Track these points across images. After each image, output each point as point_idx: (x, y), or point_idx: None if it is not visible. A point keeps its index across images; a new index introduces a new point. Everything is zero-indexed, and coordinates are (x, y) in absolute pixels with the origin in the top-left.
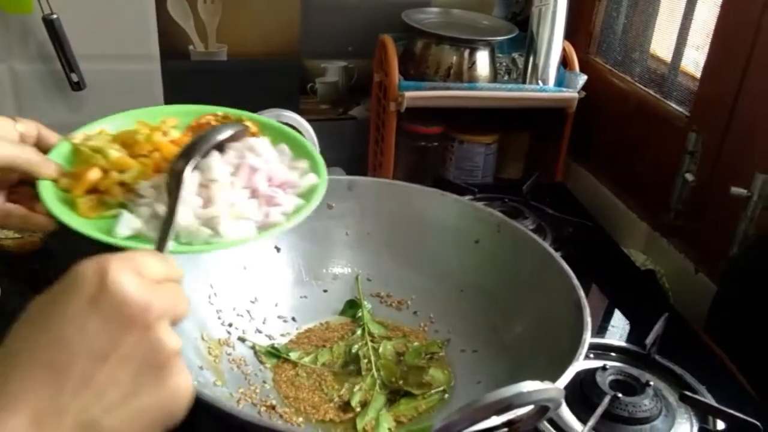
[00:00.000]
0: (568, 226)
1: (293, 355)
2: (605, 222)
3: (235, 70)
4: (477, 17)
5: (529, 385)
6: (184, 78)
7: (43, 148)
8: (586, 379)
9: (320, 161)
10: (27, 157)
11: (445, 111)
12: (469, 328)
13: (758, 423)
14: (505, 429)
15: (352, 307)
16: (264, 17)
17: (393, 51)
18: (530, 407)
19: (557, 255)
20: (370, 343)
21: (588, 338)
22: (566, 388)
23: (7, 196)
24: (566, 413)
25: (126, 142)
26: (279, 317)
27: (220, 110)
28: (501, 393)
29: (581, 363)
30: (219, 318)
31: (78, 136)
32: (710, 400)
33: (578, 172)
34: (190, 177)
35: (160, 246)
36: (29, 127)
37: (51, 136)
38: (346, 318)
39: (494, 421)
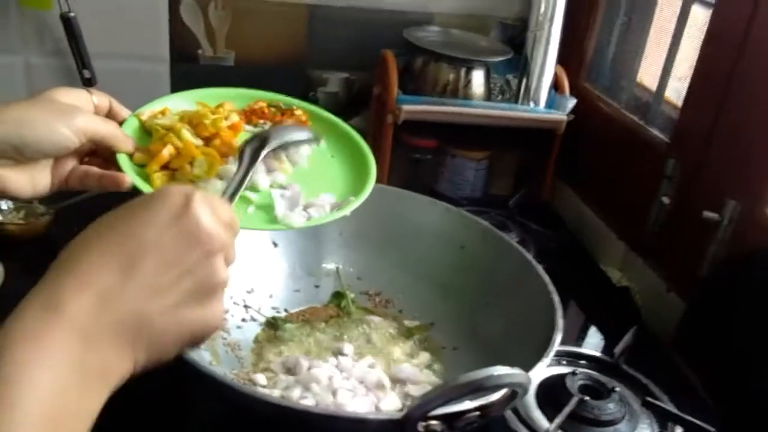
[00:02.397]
0: (550, 241)
1: (288, 326)
2: (585, 239)
3: (242, 75)
4: (475, 38)
5: (500, 369)
6: (192, 81)
7: (113, 121)
8: (556, 382)
9: (368, 152)
10: (111, 131)
11: (439, 126)
12: (451, 327)
13: (713, 429)
14: (478, 413)
15: (337, 297)
16: (272, 26)
17: (393, 66)
18: (501, 393)
19: (535, 262)
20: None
21: (558, 338)
22: (538, 389)
23: (79, 163)
24: (536, 413)
25: (192, 122)
26: (272, 308)
27: (272, 96)
28: (474, 374)
29: (554, 368)
30: None
31: (145, 113)
32: (671, 408)
33: (563, 190)
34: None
35: (231, 199)
36: (102, 100)
37: (121, 110)
38: (331, 306)
39: (468, 405)
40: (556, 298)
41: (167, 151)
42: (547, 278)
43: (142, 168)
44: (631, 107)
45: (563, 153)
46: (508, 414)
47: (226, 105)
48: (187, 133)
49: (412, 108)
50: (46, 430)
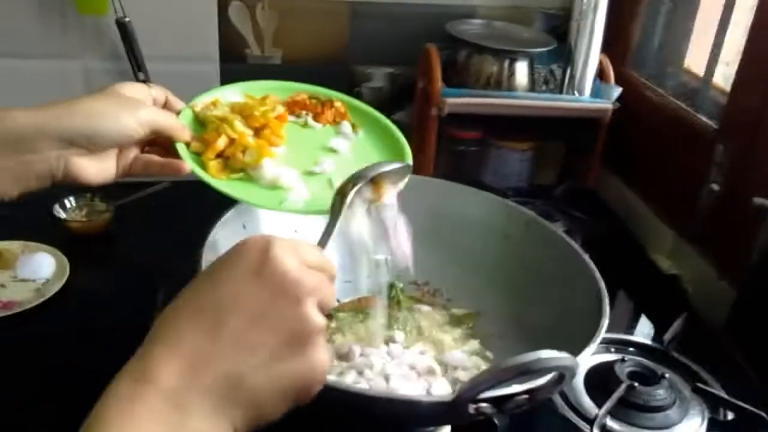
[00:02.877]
0: (597, 230)
1: (340, 315)
2: (633, 228)
3: (289, 73)
4: (518, 29)
5: (547, 353)
6: (241, 80)
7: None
8: (605, 369)
9: (406, 145)
10: (170, 122)
11: (484, 117)
12: (498, 316)
13: (764, 414)
14: (526, 396)
15: (387, 287)
16: (316, 25)
17: (437, 59)
18: (549, 377)
19: (581, 250)
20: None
21: (605, 324)
22: (587, 376)
23: (141, 152)
24: (585, 399)
25: (243, 113)
26: None
27: (313, 89)
28: (523, 357)
29: (603, 356)
30: None
31: (198, 104)
32: (722, 393)
33: (609, 179)
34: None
35: (322, 243)
36: (159, 93)
37: (177, 102)
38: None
39: (517, 388)
40: (602, 285)
41: (222, 142)
42: (592, 265)
43: (198, 156)
44: (678, 94)
45: (609, 142)
46: (558, 400)
47: (270, 97)
48: (239, 124)
49: (457, 100)
50: None
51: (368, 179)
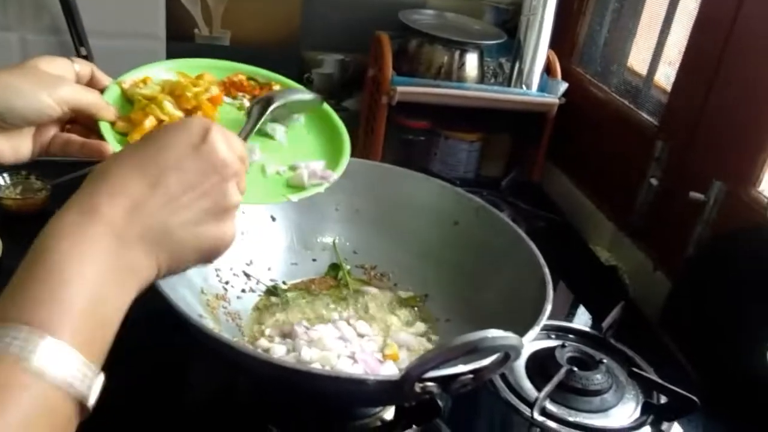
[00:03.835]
0: (540, 221)
1: (287, 294)
2: (575, 220)
3: (237, 55)
4: (469, 21)
5: (494, 332)
6: None
7: (95, 88)
8: (546, 354)
9: (344, 129)
10: (93, 100)
11: (433, 107)
12: (444, 300)
13: (695, 398)
14: (471, 375)
15: (334, 269)
16: (267, 7)
17: (388, 47)
18: (494, 357)
19: (527, 237)
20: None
21: (549, 308)
22: (528, 361)
23: (61, 130)
24: (526, 383)
25: (174, 93)
26: (271, 280)
27: (251, 69)
28: (470, 336)
29: (544, 342)
30: (217, 276)
31: (126, 81)
32: (656, 378)
33: (554, 172)
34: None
35: (244, 136)
36: (84, 68)
37: (103, 78)
38: (328, 277)
39: (462, 368)
40: (546, 272)
41: (150, 123)
42: (537, 252)
43: (123, 136)
44: (622, 91)
45: (554, 136)
46: (499, 383)
47: (205, 76)
48: (168, 105)
49: (407, 89)
50: (87, 314)
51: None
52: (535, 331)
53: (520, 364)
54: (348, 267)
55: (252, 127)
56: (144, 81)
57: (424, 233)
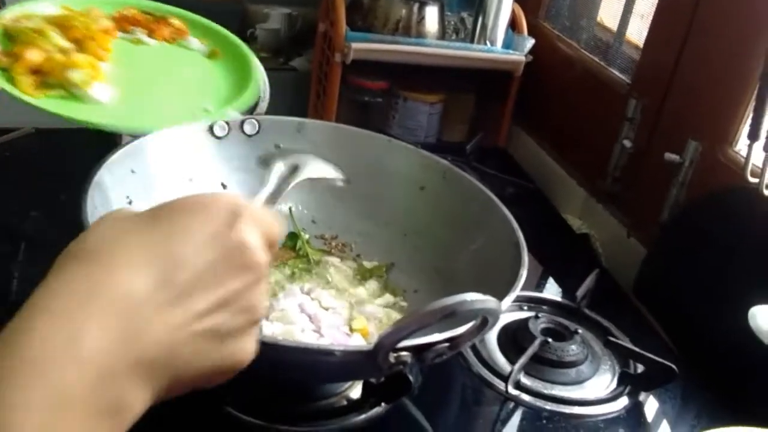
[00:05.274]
0: (508, 187)
1: None
2: (545, 186)
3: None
4: None
5: (472, 296)
6: None
7: None
8: (518, 326)
9: (258, 68)
10: None
11: (391, 66)
12: (412, 269)
13: (674, 366)
14: (447, 344)
15: (292, 239)
16: None
17: (341, 0)
18: (470, 324)
19: (498, 200)
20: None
21: (524, 274)
22: (500, 334)
23: None
24: (498, 356)
25: (63, 25)
26: None
27: (145, 3)
28: (447, 300)
29: (516, 314)
30: None
31: (5, 16)
32: (632, 346)
33: (521, 136)
34: None
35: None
36: None
37: None
38: (286, 248)
39: (437, 337)
40: (520, 235)
41: (35, 55)
42: (509, 215)
43: (5, 72)
44: (591, 47)
45: (521, 97)
46: (471, 358)
47: (93, 11)
48: (56, 36)
49: (362, 46)
50: None
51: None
52: (512, 296)
53: (492, 338)
54: (307, 236)
55: (273, 196)
56: (27, 17)
57: (387, 200)
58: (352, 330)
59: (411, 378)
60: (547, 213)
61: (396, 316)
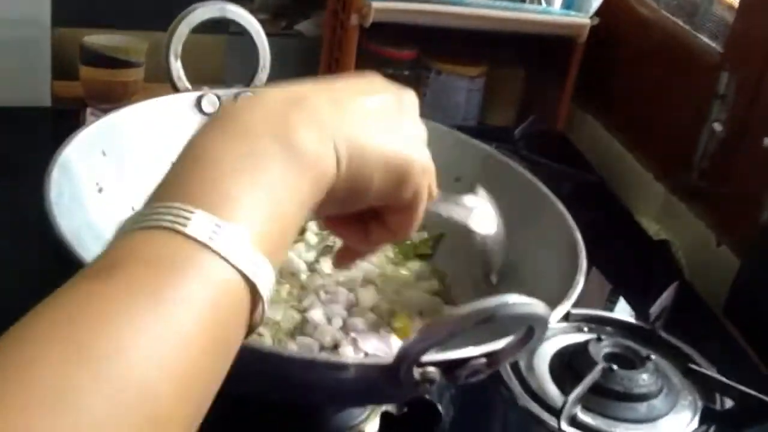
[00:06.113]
0: (566, 182)
1: None
2: (613, 181)
3: None
4: None
5: (514, 298)
6: None
7: None
8: (576, 350)
9: None
10: None
11: (421, 30)
12: (447, 279)
13: None
14: (484, 360)
15: None
16: None
17: None
18: (510, 338)
19: (552, 194)
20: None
21: (582, 281)
22: (553, 360)
23: None
24: (550, 386)
25: None
26: None
27: None
28: (483, 303)
29: (574, 336)
30: None
31: None
32: (719, 376)
33: (584, 119)
34: None
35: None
36: None
37: None
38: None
39: (472, 351)
40: (578, 236)
41: None
42: (565, 211)
43: None
44: (675, 8)
45: (584, 70)
46: (516, 388)
47: None
48: None
49: (384, 5)
50: (257, 200)
51: None
52: (565, 306)
53: (543, 364)
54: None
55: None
56: None
57: None
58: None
59: (440, 408)
60: (616, 214)
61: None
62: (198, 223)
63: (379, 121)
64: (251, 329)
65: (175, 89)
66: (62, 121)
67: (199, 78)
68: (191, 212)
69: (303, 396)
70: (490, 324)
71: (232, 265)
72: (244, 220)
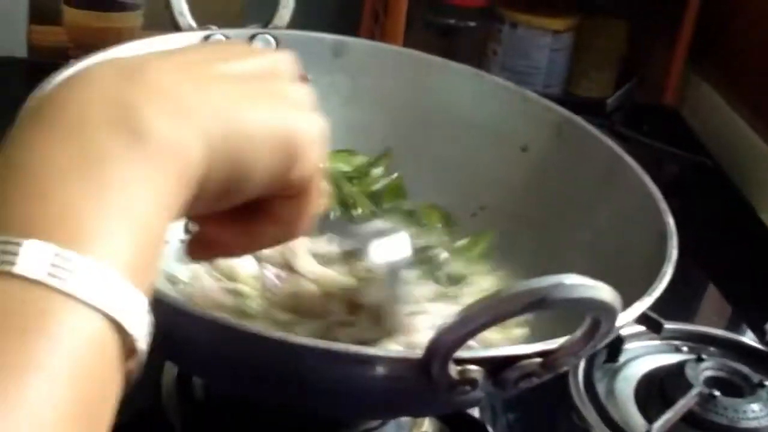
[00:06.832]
0: (675, 165)
1: None
2: (733, 167)
3: None
4: None
5: (572, 278)
6: None
7: None
8: (670, 372)
9: None
10: None
11: None
12: (505, 269)
13: None
14: (539, 359)
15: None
16: None
17: None
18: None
19: (639, 168)
20: None
21: (669, 272)
22: (640, 382)
23: None
24: (631, 410)
25: None
26: None
27: None
28: (534, 283)
29: (668, 356)
30: None
31: None
32: None
33: (700, 89)
34: None
35: None
36: None
37: None
38: None
39: (524, 349)
40: (669, 220)
41: None
42: (655, 190)
43: None
44: None
45: (702, 26)
46: (590, 413)
47: None
48: None
49: None
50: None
51: None
52: (646, 302)
53: (628, 387)
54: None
55: None
56: None
57: (470, 163)
58: None
59: (488, 427)
60: (733, 206)
61: None
62: (29, 255)
63: (250, 89)
64: (128, 381)
65: (177, 28)
66: (40, 75)
67: (211, 18)
68: (17, 244)
69: (308, 400)
70: (543, 310)
71: (86, 304)
72: (91, 241)
